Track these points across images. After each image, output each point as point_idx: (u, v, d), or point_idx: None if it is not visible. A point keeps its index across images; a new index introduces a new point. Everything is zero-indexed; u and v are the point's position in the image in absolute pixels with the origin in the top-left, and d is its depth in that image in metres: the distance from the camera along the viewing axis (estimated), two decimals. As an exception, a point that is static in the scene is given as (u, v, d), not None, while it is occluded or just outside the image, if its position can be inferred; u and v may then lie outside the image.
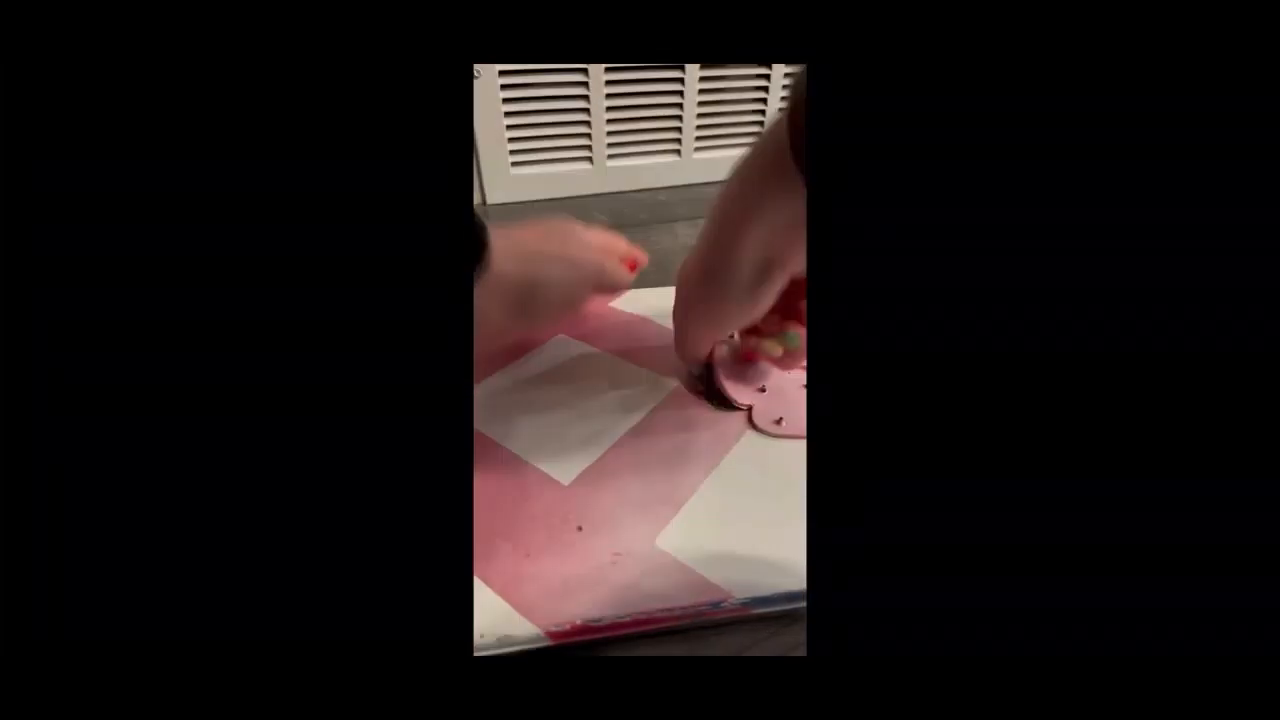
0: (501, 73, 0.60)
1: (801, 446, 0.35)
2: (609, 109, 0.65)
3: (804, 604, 0.27)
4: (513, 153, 0.65)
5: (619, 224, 0.63)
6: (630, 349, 0.43)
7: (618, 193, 0.70)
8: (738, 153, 0.71)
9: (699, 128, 0.69)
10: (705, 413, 0.38)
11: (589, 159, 0.67)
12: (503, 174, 0.66)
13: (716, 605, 0.27)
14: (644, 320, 0.46)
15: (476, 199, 0.67)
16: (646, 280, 0.45)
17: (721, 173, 0.72)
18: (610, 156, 0.68)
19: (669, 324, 0.40)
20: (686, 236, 0.60)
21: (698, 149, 0.71)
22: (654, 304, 0.47)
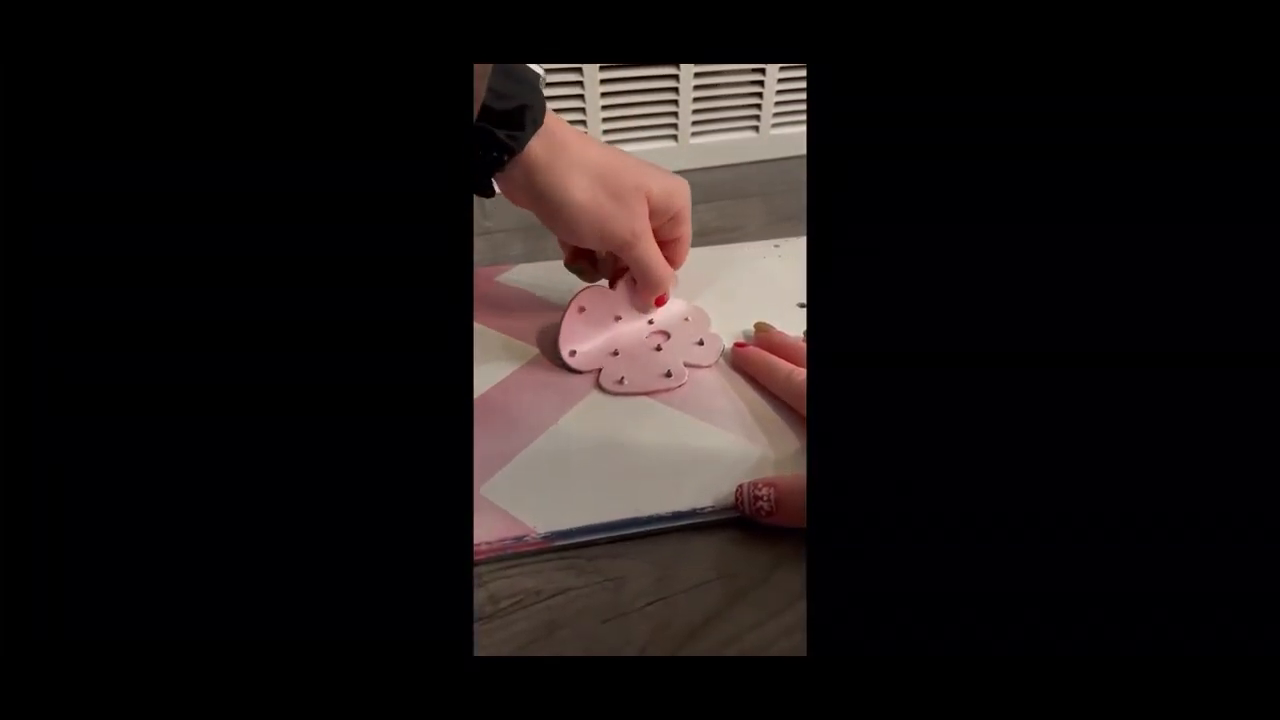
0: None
1: (639, 402, 0.37)
2: (603, 95, 0.64)
3: (601, 535, 0.30)
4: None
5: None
6: (502, 319, 0.44)
7: (614, 179, 0.69)
8: (735, 137, 0.71)
9: (695, 113, 0.68)
10: (558, 376, 0.40)
11: (585, 146, 0.67)
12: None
13: (519, 539, 0.30)
14: (521, 292, 0.48)
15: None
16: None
17: (719, 158, 0.72)
18: (606, 143, 0.68)
19: (546, 295, 0.46)
20: (684, 222, 0.60)
21: (694, 134, 0.70)
22: (534, 277, 0.50)
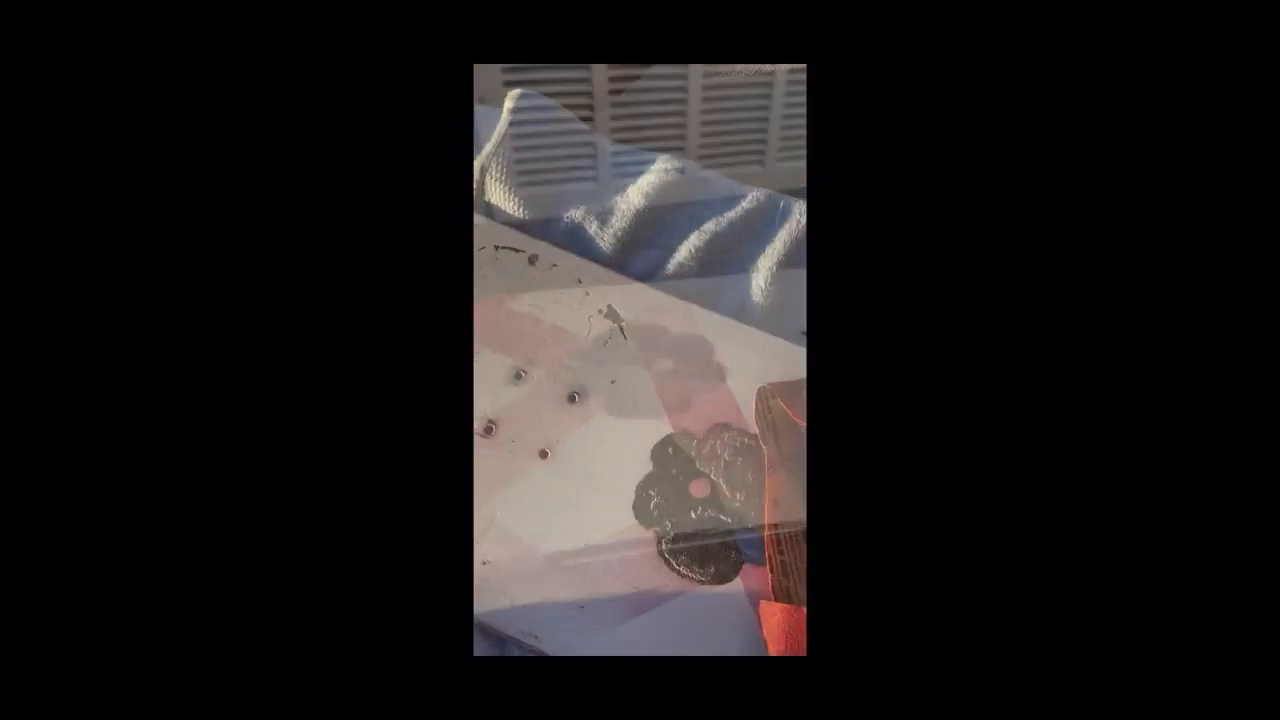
0: (505, 69, 0.60)
1: (642, 424, 0.38)
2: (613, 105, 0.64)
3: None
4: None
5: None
6: (511, 344, 0.45)
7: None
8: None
9: (703, 124, 0.68)
10: (565, 399, 0.40)
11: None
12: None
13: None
14: (531, 317, 0.48)
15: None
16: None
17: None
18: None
19: (554, 320, 0.46)
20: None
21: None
22: (542, 304, 0.49)
